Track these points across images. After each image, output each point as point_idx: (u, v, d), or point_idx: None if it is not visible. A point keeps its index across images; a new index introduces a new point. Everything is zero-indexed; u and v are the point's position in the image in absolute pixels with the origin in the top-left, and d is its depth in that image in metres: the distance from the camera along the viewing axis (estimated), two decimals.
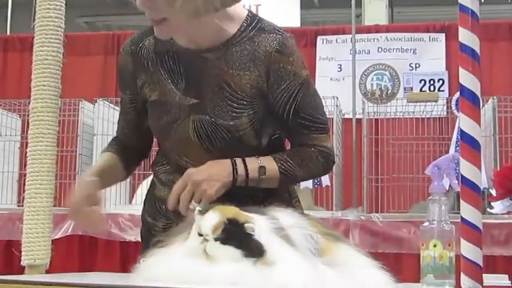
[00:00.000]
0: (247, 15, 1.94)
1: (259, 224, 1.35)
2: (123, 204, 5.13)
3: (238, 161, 1.84)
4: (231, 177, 1.83)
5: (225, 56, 1.89)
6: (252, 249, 1.32)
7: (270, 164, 1.89)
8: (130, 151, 2.09)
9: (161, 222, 2.02)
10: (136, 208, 4.77)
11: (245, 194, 1.85)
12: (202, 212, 1.38)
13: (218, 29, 1.88)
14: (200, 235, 1.35)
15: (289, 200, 2.03)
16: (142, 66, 1.95)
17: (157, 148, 2.10)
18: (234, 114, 1.87)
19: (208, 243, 1.34)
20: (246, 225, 1.32)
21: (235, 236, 1.33)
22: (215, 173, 1.81)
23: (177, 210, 1.84)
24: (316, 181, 4.85)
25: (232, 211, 1.37)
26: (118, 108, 5.19)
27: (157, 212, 2.04)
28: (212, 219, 1.34)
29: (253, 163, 1.86)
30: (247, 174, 1.85)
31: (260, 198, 1.91)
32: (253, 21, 1.93)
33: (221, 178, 1.81)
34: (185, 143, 1.91)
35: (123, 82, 2.04)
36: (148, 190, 2.13)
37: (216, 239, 1.34)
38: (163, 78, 1.93)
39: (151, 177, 2.15)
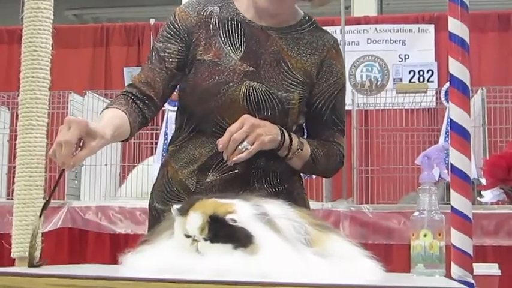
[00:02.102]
0: (306, 14, 2.15)
1: (242, 211, 1.35)
2: (113, 197, 5.12)
3: (284, 129, 1.96)
4: (280, 137, 1.94)
5: (286, 38, 2.05)
6: (240, 239, 1.32)
7: (306, 144, 2.02)
8: (138, 106, 2.00)
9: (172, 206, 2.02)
10: (126, 201, 4.82)
11: (264, 180, 1.99)
12: (181, 212, 1.38)
13: (291, 13, 2.09)
14: (188, 236, 1.35)
15: (301, 191, 2.14)
16: (204, 25, 2.04)
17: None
18: (288, 88, 2.00)
19: (199, 243, 1.34)
20: (226, 218, 1.32)
21: (220, 232, 1.33)
22: (269, 127, 1.92)
23: (195, 190, 1.96)
24: None
25: (211, 206, 1.36)
26: (107, 100, 5.24)
27: (169, 196, 2.05)
28: (197, 221, 1.34)
29: (295, 136, 1.99)
30: (291, 142, 1.96)
31: (277, 187, 2.02)
32: (311, 19, 2.14)
33: (273, 132, 1.93)
34: (231, 106, 1.97)
35: (175, 33, 2.05)
36: (157, 179, 2.16)
37: (205, 239, 1.34)
38: (222, 42, 2.03)
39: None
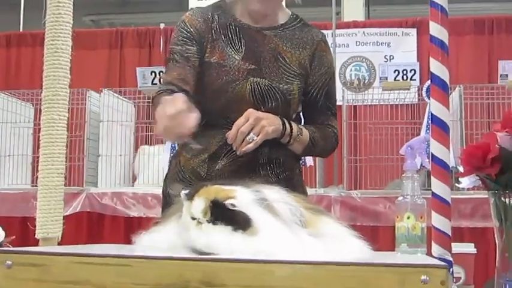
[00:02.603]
0: (293, 13, 2.17)
1: (243, 196, 1.35)
2: (126, 183, 5.13)
3: (284, 119, 1.99)
4: (281, 127, 1.96)
5: (280, 35, 2.08)
6: (239, 222, 1.32)
7: (305, 130, 2.05)
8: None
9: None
10: (138, 187, 4.83)
11: (269, 167, 2.01)
12: (188, 197, 1.38)
13: (279, 13, 2.11)
14: (193, 218, 1.35)
15: (300, 178, 2.17)
16: (209, 30, 2.06)
17: None
18: (288, 80, 2.03)
19: (203, 225, 1.34)
20: (226, 202, 1.32)
21: (221, 215, 1.33)
22: (272, 118, 1.94)
23: (205, 177, 1.97)
24: (301, 161, 4.85)
25: (214, 192, 1.36)
26: (122, 98, 5.24)
27: (184, 182, 2.05)
28: (200, 205, 1.34)
29: (295, 124, 2.01)
30: (291, 129, 1.99)
31: (280, 174, 2.04)
32: (298, 17, 2.15)
33: (276, 123, 1.95)
34: (239, 101, 1.99)
35: (190, 37, 2.05)
36: (169, 168, 2.17)
37: (208, 221, 1.34)
38: (224, 44, 2.04)
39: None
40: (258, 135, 1.87)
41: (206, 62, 2.02)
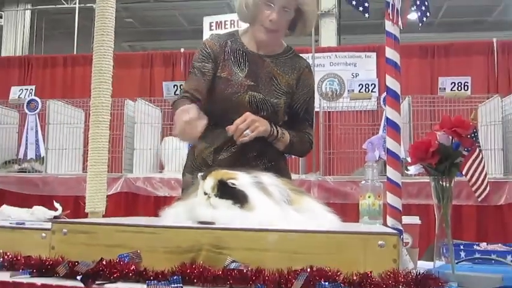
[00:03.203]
0: (288, 46, 2.15)
1: (242, 179, 1.36)
2: (155, 170, 5.14)
3: (272, 124, 2.00)
4: (270, 129, 1.97)
5: (276, 62, 2.08)
6: (238, 197, 1.32)
7: (287, 133, 2.04)
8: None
9: (196, 174, 2.04)
10: (164, 174, 4.83)
11: (259, 159, 2.01)
12: (204, 177, 1.38)
13: (278, 44, 2.11)
14: (205, 193, 1.36)
15: (285, 167, 2.14)
16: (222, 52, 2.06)
17: None
18: (277, 96, 2.03)
19: (211, 198, 1.35)
20: (228, 181, 1.33)
21: (225, 191, 1.34)
22: (263, 121, 1.95)
23: (211, 164, 1.98)
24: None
25: (221, 174, 1.37)
26: (152, 105, 5.23)
27: (195, 168, 2.06)
28: (210, 182, 1.35)
29: (279, 128, 2.02)
30: (277, 132, 1.99)
31: (268, 163, 2.03)
32: (291, 49, 2.15)
33: (266, 125, 1.95)
34: (240, 108, 1.98)
35: (208, 56, 2.05)
36: (187, 158, 2.16)
37: (215, 196, 1.34)
38: (232, 64, 2.05)
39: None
40: (253, 132, 1.89)
41: (218, 77, 2.03)
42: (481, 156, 4.14)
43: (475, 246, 1.68)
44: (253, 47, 2.08)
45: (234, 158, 1.98)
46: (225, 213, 1.31)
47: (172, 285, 1.10)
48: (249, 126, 1.88)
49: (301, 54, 2.21)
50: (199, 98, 1.99)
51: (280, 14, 1.97)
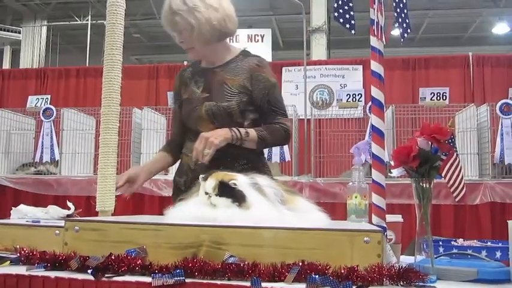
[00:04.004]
0: (243, 50, 2.13)
1: (241, 180, 1.35)
2: (160, 173, 5.10)
3: (234, 128, 1.94)
4: (230, 134, 1.91)
5: (225, 69, 2.04)
6: (237, 197, 1.32)
7: (252, 131, 1.96)
8: (177, 146, 2.16)
9: (183, 178, 2.09)
10: (168, 176, 4.82)
11: (235, 161, 1.97)
12: (205, 178, 1.38)
13: (222, 54, 2.07)
14: (206, 193, 1.35)
15: (262, 168, 2.05)
16: (183, 82, 2.12)
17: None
18: (227, 99, 1.98)
19: (212, 197, 1.34)
20: (229, 182, 1.33)
21: (225, 191, 1.33)
22: (219, 132, 1.90)
23: (194, 168, 1.99)
24: (281, 157, 4.85)
25: (222, 175, 1.37)
26: (157, 113, 5.22)
27: (182, 172, 2.10)
28: (212, 183, 1.35)
29: (242, 129, 1.95)
30: (240, 134, 1.93)
31: (244, 165, 1.99)
32: (243, 52, 2.11)
33: (223, 134, 1.89)
34: (201, 119, 2.00)
35: (175, 95, 2.17)
36: (179, 164, 2.17)
37: (216, 195, 1.34)
38: (192, 85, 2.08)
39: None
40: (210, 149, 1.84)
41: (183, 100, 2.10)
42: (458, 160, 4.15)
43: (452, 242, 1.68)
44: (206, 64, 2.11)
45: (213, 163, 1.90)
46: (225, 212, 1.31)
47: (175, 278, 1.10)
48: (205, 145, 1.85)
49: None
50: (178, 140, 2.15)
51: (181, 36, 1.98)
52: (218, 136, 1.87)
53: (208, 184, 1.35)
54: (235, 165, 1.97)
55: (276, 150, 4.87)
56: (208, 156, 1.84)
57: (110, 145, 1.72)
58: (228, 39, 2.10)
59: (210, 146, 1.84)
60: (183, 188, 2.04)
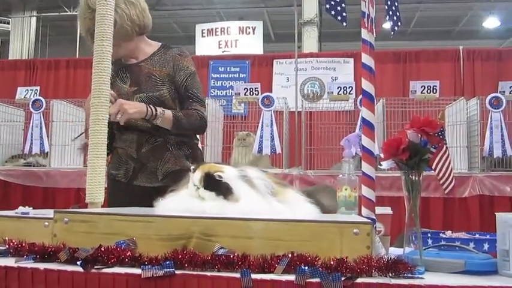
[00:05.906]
0: (163, 43, 2.23)
1: (229, 173, 1.35)
2: None
3: (151, 105, 2.03)
4: (145, 109, 2.00)
5: (150, 62, 2.16)
6: (221, 189, 1.33)
7: (167, 111, 2.07)
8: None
9: (122, 170, 2.17)
10: None
11: (177, 145, 2.12)
12: (193, 171, 1.38)
13: (144, 49, 2.18)
14: (194, 185, 1.35)
15: (201, 156, 2.25)
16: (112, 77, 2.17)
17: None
18: (158, 88, 2.10)
19: (199, 190, 1.35)
20: (214, 174, 1.33)
21: (211, 183, 1.34)
22: (135, 104, 2.01)
23: (136, 157, 2.10)
24: (272, 149, 4.85)
25: (208, 167, 1.37)
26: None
27: (121, 164, 2.17)
28: (198, 175, 1.36)
29: (159, 108, 2.05)
30: (156, 110, 2.02)
31: (185, 149, 2.15)
32: (164, 46, 2.21)
33: (138, 107, 2.00)
34: None
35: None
36: (112, 156, 2.23)
37: (203, 187, 1.34)
38: (117, 82, 2.15)
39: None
40: (122, 115, 1.93)
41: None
42: (447, 153, 4.16)
43: (441, 234, 1.69)
44: (129, 60, 2.19)
45: (155, 149, 2.11)
46: (213, 204, 1.31)
47: (165, 270, 1.10)
48: (118, 110, 1.92)
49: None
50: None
51: None
52: (134, 107, 1.98)
53: (195, 176, 1.35)
54: (180, 152, 2.13)
55: (266, 142, 4.87)
56: (121, 120, 1.94)
57: (100, 137, 1.71)
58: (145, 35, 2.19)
59: (123, 111, 1.93)
60: (123, 179, 2.13)
